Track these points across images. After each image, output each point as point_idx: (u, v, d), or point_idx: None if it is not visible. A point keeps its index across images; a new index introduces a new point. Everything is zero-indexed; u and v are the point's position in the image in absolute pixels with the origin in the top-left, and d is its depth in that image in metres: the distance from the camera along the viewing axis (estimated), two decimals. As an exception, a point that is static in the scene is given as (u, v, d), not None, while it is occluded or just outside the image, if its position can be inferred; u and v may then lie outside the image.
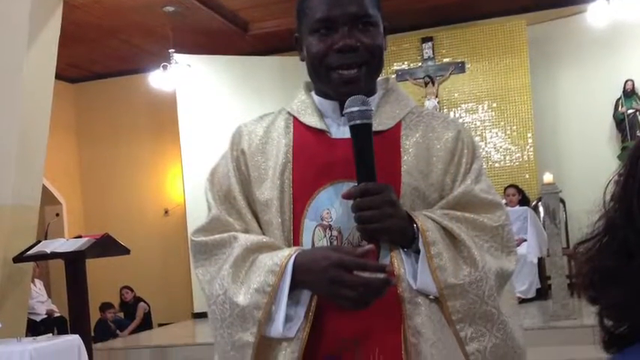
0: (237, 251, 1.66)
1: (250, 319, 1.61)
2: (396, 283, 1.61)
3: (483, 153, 9.70)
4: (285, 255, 1.61)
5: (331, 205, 1.69)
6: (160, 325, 11.11)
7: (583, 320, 6.79)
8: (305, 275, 1.58)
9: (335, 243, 1.68)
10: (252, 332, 1.61)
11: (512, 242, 1.78)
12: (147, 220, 12.07)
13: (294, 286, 1.60)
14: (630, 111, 9.80)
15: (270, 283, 1.59)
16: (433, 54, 10.44)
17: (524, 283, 8.47)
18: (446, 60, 10.46)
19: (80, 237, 6.89)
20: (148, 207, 12.17)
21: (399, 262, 1.65)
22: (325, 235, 1.69)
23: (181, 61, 10.24)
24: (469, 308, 1.64)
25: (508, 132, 10.17)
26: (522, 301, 7.96)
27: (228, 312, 1.64)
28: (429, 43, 10.45)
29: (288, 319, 1.60)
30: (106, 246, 6.73)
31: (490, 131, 10.24)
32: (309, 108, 1.80)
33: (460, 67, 10.37)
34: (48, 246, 6.62)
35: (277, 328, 1.59)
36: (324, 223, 1.69)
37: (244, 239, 1.68)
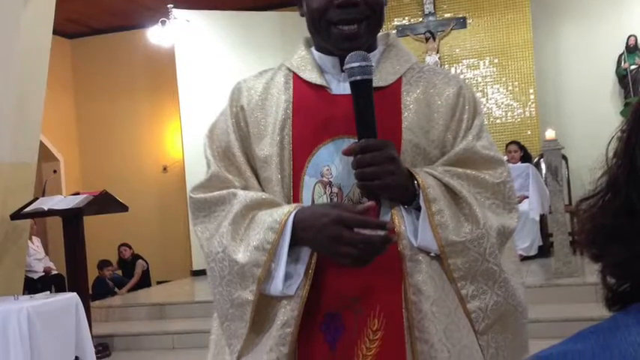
0: (237, 208, 1.65)
1: (250, 276, 1.60)
2: (396, 240, 1.60)
3: (485, 109, 9.66)
4: (285, 212, 1.59)
5: (331, 162, 1.67)
6: (159, 282, 11.18)
7: (585, 278, 6.82)
8: (305, 232, 1.57)
9: (335, 200, 1.66)
10: (252, 290, 1.60)
11: (514, 199, 1.77)
12: (145, 177, 12.08)
13: (294, 244, 1.59)
14: (633, 67, 9.76)
15: (270, 240, 1.57)
16: (434, 9, 10.33)
17: (526, 241, 8.48)
18: (447, 15, 10.36)
19: (78, 194, 6.88)
20: (146, 164, 12.17)
21: (399, 219, 1.64)
22: (325, 192, 1.67)
23: (180, 16, 10.16)
24: (470, 266, 1.63)
25: (510, 88, 10.12)
26: (524, 258, 7.97)
27: (227, 270, 1.63)
28: (430, -2, 10.35)
29: (287, 276, 1.59)
30: (104, 203, 6.72)
31: (491, 87, 10.20)
32: (308, 64, 1.77)
33: (461, 23, 10.28)
34: (45, 203, 6.59)
35: (277, 286, 1.58)
36: (324, 179, 1.68)
37: (243, 196, 1.66)
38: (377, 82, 1.67)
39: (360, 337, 1.62)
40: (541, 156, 8.80)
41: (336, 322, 1.63)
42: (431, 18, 10.37)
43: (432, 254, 1.64)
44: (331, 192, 1.67)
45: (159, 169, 12.21)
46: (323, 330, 1.63)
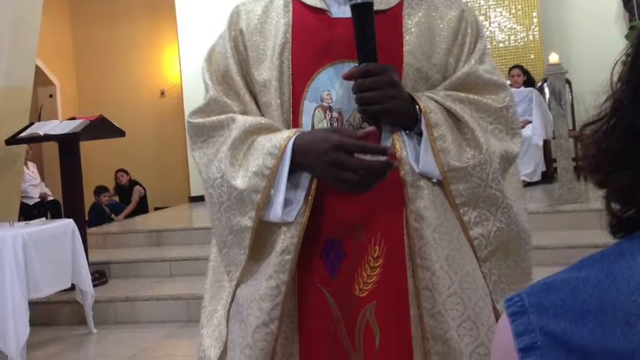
0: (235, 133, 1.62)
1: (249, 203, 1.58)
2: (397, 166, 1.58)
3: (487, 33, 9.52)
4: (285, 137, 1.57)
5: (331, 86, 1.64)
6: (156, 209, 11.20)
7: (589, 204, 6.77)
8: (305, 157, 1.55)
9: (335, 125, 1.64)
10: (251, 216, 1.59)
11: (517, 124, 1.74)
12: (142, 102, 12.01)
13: (294, 169, 1.57)
14: (638, -11, 9.58)
15: (269, 165, 1.56)
16: None
17: (530, 166, 8.43)
18: None
19: (74, 119, 6.82)
20: (143, 88, 12.07)
21: (401, 144, 1.61)
22: (325, 117, 1.65)
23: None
24: (473, 192, 1.62)
25: (513, 11, 9.96)
26: (527, 184, 7.91)
27: (226, 195, 1.62)
28: None
29: (287, 202, 1.58)
30: (101, 128, 6.65)
31: (494, 10, 10.04)
32: None
33: (464, -57, 10.04)
34: (41, 128, 6.51)
35: (276, 212, 1.57)
36: (324, 104, 1.65)
37: (242, 121, 1.64)
38: (378, 5, 1.62)
39: (360, 265, 1.61)
40: (544, 80, 8.71)
41: (336, 249, 1.62)
42: (432, -62, 10.12)
43: (434, 180, 1.63)
44: (331, 117, 1.65)
45: (156, 93, 12.13)
46: (323, 257, 1.63)
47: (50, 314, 5.91)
